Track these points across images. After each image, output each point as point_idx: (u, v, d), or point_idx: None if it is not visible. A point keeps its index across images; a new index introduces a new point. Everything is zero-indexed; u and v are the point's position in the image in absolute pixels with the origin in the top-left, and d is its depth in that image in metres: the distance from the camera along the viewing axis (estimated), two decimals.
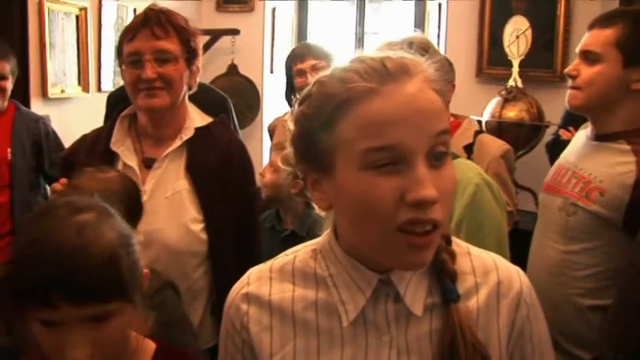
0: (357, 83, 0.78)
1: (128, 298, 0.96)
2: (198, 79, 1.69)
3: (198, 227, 1.60)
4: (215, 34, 4.07)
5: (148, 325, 1.04)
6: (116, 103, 1.90)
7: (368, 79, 0.78)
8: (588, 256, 1.61)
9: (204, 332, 1.62)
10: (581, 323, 1.61)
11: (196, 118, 1.69)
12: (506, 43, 3.43)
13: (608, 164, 1.60)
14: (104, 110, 2.31)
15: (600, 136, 1.68)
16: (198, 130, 1.66)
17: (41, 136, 2.79)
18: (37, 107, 3.02)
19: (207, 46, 3.95)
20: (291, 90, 2.79)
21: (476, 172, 1.48)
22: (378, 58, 0.81)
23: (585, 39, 1.68)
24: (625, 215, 1.55)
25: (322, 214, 2.00)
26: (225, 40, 4.15)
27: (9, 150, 2.68)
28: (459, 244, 0.93)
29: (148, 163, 1.63)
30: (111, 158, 1.63)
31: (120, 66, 1.65)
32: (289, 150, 0.89)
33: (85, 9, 3.34)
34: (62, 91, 3.25)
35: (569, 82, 1.71)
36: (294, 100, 2.81)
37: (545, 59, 3.54)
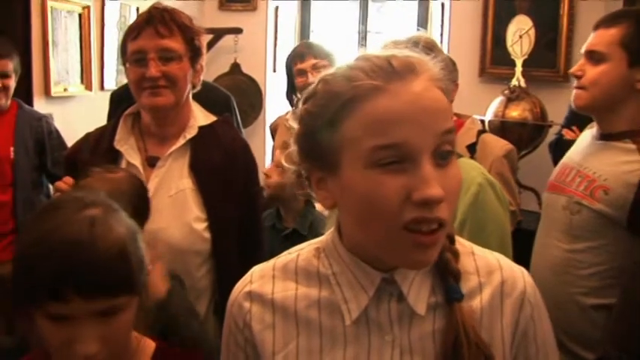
0: (362, 81, 0.78)
1: (135, 292, 0.97)
2: (201, 78, 1.69)
3: (201, 226, 1.60)
4: (218, 33, 4.07)
5: (151, 321, 1.04)
6: (119, 101, 1.90)
7: (374, 77, 0.78)
8: (592, 255, 1.61)
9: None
10: (584, 322, 1.61)
11: (200, 117, 1.69)
12: (509, 42, 3.43)
13: (613, 163, 1.61)
14: (107, 109, 2.31)
15: (605, 136, 1.69)
16: (201, 128, 1.66)
17: (44, 134, 2.79)
18: (39, 106, 3.02)
19: (209, 45, 3.95)
20: (292, 89, 2.78)
21: (479, 171, 1.48)
22: (383, 56, 0.81)
23: (590, 39, 1.69)
24: (629, 214, 1.55)
25: (325, 212, 2.00)
26: (227, 39, 4.15)
27: (12, 149, 2.68)
28: (462, 244, 0.93)
29: (151, 162, 1.63)
30: (114, 157, 1.63)
31: (124, 64, 1.65)
32: (293, 148, 0.89)
33: (87, 7, 3.34)
34: (65, 90, 3.24)
35: (575, 83, 1.72)
36: (295, 99, 2.81)
37: (548, 59, 3.54)
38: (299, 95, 2.70)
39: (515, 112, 3.31)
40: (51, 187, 2.88)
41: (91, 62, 3.39)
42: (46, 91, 3.10)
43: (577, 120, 2.62)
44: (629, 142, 1.62)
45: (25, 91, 2.92)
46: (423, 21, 4.19)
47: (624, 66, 1.60)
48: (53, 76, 3.12)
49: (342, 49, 4.04)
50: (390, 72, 0.78)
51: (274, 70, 4.32)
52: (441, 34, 3.94)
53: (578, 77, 1.69)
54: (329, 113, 0.81)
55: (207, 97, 1.77)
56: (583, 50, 1.71)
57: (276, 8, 4.32)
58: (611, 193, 1.57)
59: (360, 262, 0.87)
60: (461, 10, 3.82)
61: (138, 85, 1.58)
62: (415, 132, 0.76)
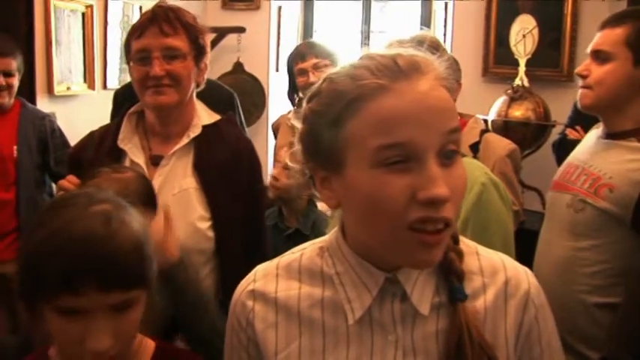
0: (368, 80, 0.78)
1: (147, 286, 0.98)
2: (205, 77, 1.69)
3: (205, 225, 1.59)
4: (221, 32, 4.07)
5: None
6: (123, 100, 1.89)
7: (379, 75, 0.78)
8: (596, 253, 1.61)
9: None
10: (588, 321, 1.61)
11: (204, 116, 1.69)
12: (512, 42, 3.42)
13: (619, 161, 1.61)
14: (110, 107, 2.31)
15: (611, 135, 1.69)
16: (205, 127, 1.66)
17: (47, 133, 2.80)
18: (42, 104, 3.02)
19: (212, 44, 3.94)
20: (293, 89, 2.78)
21: (482, 171, 1.47)
22: (389, 55, 0.80)
23: (596, 39, 1.70)
24: (634, 212, 1.54)
25: (328, 212, 1.99)
26: (230, 38, 4.15)
27: (15, 147, 2.68)
28: (466, 244, 0.93)
29: (155, 161, 1.63)
30: (118, 155, 1.63)
31: (128, 63, 1.65)
32: (297, 148, 0.89)
33: (91, 6, 3.35)
34: (68, 89, 3.25)
35: (579, 82, 1.73)
36: (296, 98, 2.80)
37: (551, 58, 3.53)
38: (300, 95, 2.70)
39: (518, 112, 3.31)
40: (54, 185, 2.89)
41: (93, 61, 3.40)
42: (49, 90, 3.11)
43: (581, 120, 2.62)
44: (635, 141, 1.62)
45: (28, 90, 2.92)
46: (426, 21, 4.19)
47: (630, 65, 1.61)
48: (56, 75, 3.13)
49: (344, 48, 4.04)
50: (395, 71, 0.78)
51: (277, 70, 4.32)
52: (444, 34, 3.93)
53: (584, 77, 1.70)
54: (333, 112, 0.80)
55: (211, 95, 1.77)
56: (589, 50, 1.71)
57: (279, 7, 4.32)
58: (616, 191, 1.57)
59: (364, 262, 0.87)
60: (464, 9, 3.81)
61: (142, 84, 1.58)
62: (421, 131, 0.76)
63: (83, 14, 3.34)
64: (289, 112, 2.87)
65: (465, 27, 3.80)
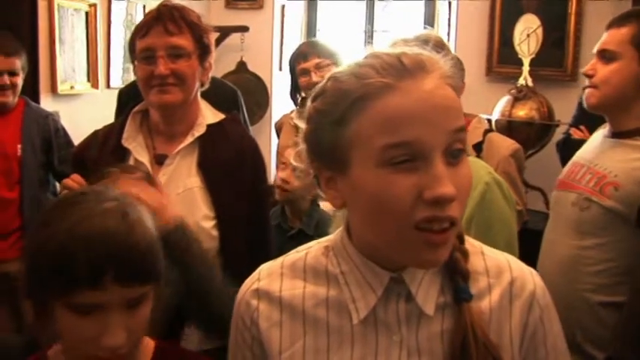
0: (373, 79, 0.78)
1: (157, 282, 0.99)
2: (210, 76, 1.69)
3: (209, 224, 1.59)
4: (224, 31, 4.07)
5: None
6: (127, 99, 1.89)
7: (384, 74, 0.78)
8: (601, 252, 1.62)
9: None
10: (592, 320, 1.61)
11: (208, 115, 1.69)
12: (516, 41, 3.41)
13: (624, 160, 1.62)
14: (113, 106, 2.31)
15: (616, 134, 1.70)
16: (210, 126, 1.66)
17: (51, 132, 2.80)
18: (46, 103, 3.03)
19: (216, 43, 3.90)
20: (295, 89, 2.78)
21: (486, 170, 1.47)
22: (394, 53, 0.80)
23: (602, 39, 1.71)
24: (639, 211, 1.54)
25: (330, 211, 1.99)
26: (234, 38, 4.15)
27: (19, 146, 2.69)
28: (472, 244, 0.93)
29: (159, 160, 1.63)
30: (122, 154, 1.63)
31: (132, 62, 1.65)
32: (302, 147, 0.88)
33: (94, 5, 3.35)
34: (71, 88, 3.25)
35: (584, 82, 1.74)
36: (299, 98, 2.80)
37: (555, 58, 3.52)
38: (303, 94, 2.69)
39: (522, 112, 3.30)
40: (57, 184, 2.89)
41: (97, 60, 3.40)
42: (53, 89, 3.11)
43: (585, 119, 2.62)
44: None
45: (31, 89, 2.93)
46: (429, 20, 4.18)
47: (635, 64, 1.62)
48: (60, 74, 3.13)
49: (348, 48, 4.04)
50: (400, 70, 0.78)
51: (280, 69, 4.32)
52: (448, 33, 3.92)
53: (590, 77, 1.71)
54: (338, 111, 0.80)
55: (215, 93, 1.76)
56: (595, 50, 1.72)
57: (283, 7, 4.32)
58: (621, 190, 1.58)
59: (369, 262, 0.87)
60: (468, 8, 3.80)
61: (146, 83, 1.58)
62: (427, 130, 0.75)
63: (87, 13, 3.34)
64: (292, 112, 2.87)
65: (469, 26, 3.79)
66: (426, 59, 0.80)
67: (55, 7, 3.07)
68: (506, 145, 2.23)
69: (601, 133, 1.79)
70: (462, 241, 0.90)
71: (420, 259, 0.80)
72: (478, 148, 2.18)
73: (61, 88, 3.15)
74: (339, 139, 0.81)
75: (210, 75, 1.71)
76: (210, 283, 1.37)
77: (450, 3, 3.97)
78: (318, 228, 2.10)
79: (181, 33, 1.57)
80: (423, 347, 0.85)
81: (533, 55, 3.37)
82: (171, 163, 1.62)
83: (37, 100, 2.96)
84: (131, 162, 1.62)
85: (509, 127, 3.27)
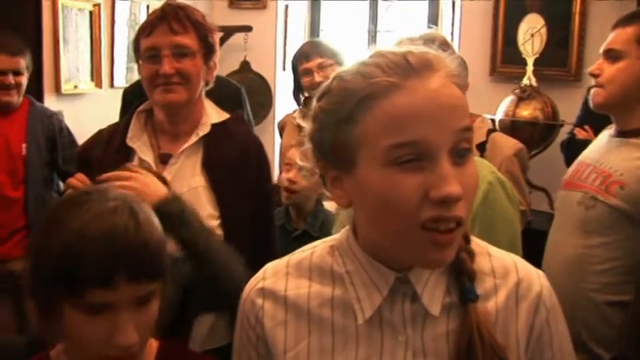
0: (379, 78, 0.77)
1: (165, 278, 0.99)
2: (214, 75, 1.69)
3: (214, 224, 1.59)
4: (228, 31, 4.07)
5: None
6: (132, 98, 1.89)
7: (390, 73, 0.77)
8: (606, 251, 1.62)
9: (219, 330, 1.61)
10: (598, 319, 1.61)
11: (213, 114, 1.69)
12: (520, 41, 3.40)
13: (630, 159, 1.62)
14: (117, 106, 2.31)
15: (622, 133, 1.70)
16: (214, 126, 1.65)
17: (55, 131, 2.81)
18: (50, 103, 3.03)
19: (219, 43, 3.93)
20: (298, 89, 2.78)
21: (489, 170, 1.47)
22: (399, 52, 0.80)
23: (608, 39, 1.71)
24: None
25: (333, 210, 1.98)
26: (237, 37, 4.15)
27: (24, 145, 2.69)
28: (478, 244, 0.92)
29: (164, 159, 1.63)
30: (127, 153, 1.62)
31: (137, 61, 1.65)
32: (308, 146, 0.88)
33: (98, 5, 3.36)
34: (75, 87, 3.26)
35: (588, 82, 1.74)
36: (301, 98, 2.79)
37: (560, 58, 3.51)
38: (306, 94, 2.69)
39: (526, 112, 3.29)
40: (61, 184, 2.90)
41: (101, 60, 3.41)
42: (57, 89, 3.12)
43: (590, 119, 2.61)
44: None
45: (35, 89, 2.93)
46: (433, 20, 4.17)
47: None
48: (64, 74, 3.14)
49: (351, 48, 4.04)
50: (406, 68, 0.77)
51: (284, 69, 4.32)
52: (452, 33, 3.92)
53: (596, 76, 1.71)
54: (344, 111, 0.80)
55: (220, 91, 1.76)
56: (601, 50, 1.72)
57: (286, 7, 4.32)
58: (627, 188, 1.58)
59: (375, 262, 0.86)
60: (471, 8, 3.80)
61: (151, 82, 1.58)
62: (433, 129, 0.75)
63: (91, 13, 3.35)
64: (295, 112, 2.87)
65: (473, 26, 3.78)
66: (432, 58, 0.79)
67: (59, 6, 3.07)
68: (509, 144, 2.23)
69: (607, 133, 1.80)
70: (467, 241, 0.89)
71: (426, 259, 0.80)
72: (481, 147, 2.18)
73: (65, 87, 3.16)
74: (345, 139, 0.80)
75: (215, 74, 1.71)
76: (212, 249, 1.37)
77: (453, 3, 3.97)
78: (322, 228, 2.09)
79: (186, 32, 1.57)
80: (429, 348, 0.85)
81: (537, 55, 3.37)
82: (176, 163, 1.62)
83: (40, 99, 2.97)
84: (135, 161, 1.62)
85: (512, 127, 3.26)
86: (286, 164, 2.19)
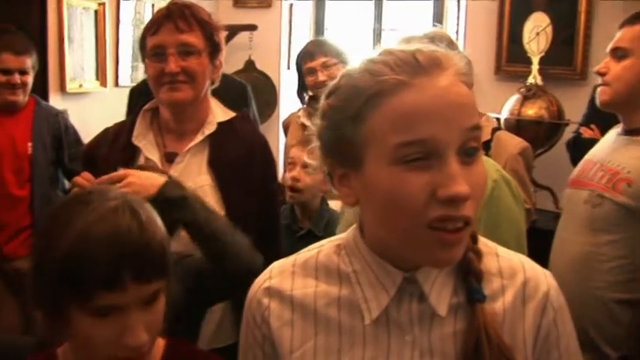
0: (387, 76, 0.77)
1: (169, 275, 0.99)
2: (220, 74, 1.69)
3: None
4: (232, 30, 4.07)
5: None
6: (138, 97, 1.90)
7: (399, 71, 0.77)
8: (613, 249, 1.61)
9: (224, 329, 1.61)
10: (606, 318, 1.61)
11: (218, 113, 1.69)
12: (525, 40, 3.39)
13: (637, 157, 1.62)
14: (122, 105, 2.32)
15: (629, 131, 1.70)
16: (220, 124, 1.65)
17: (61, 130, 2.82)
18: (55, 102, 3.04)
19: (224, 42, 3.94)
20: (302, 88, 2.78)
21: (494, 168, 1.47)
22: (408, 50, 0.79)
23: (615, 37, 1.71)
24: None
25: (339, 210, 1.98)
26: (242, 36, 4.15)
27: (30, 144, 2.70)
28: (486, 244, 0.91)
29: (169, 158, 1.63)
30: (132, 152, 1.63)
31: (143, 60, 1.65)
32: (316, 144, 0.88)
33: (103, 4, 3.36)
34: (80, 86, 3.27)
35: (594, 81, 1.73)
36: (306, 97, 2.79)
37: (565, 56, 3.49)
38: (310, 93, 2.69)
39: (531, 110, 3.28)
40: (67, 182, 2.90)
41: (106, 59, 3.42)
42: (62, 88, 3.13)
43: (596, 118, 2.60)
44: None
45: (40, 87, 2.94)
46: (438, 18, 4.16)
47: None
48: (69, 73, 3.15)
49: (356, 47, 4.03)
50: (415, 66, 0.77)
51: (288, 68, 4.31)
52: (457, 32, 3.90)
53: (603, 74, 1.71)
54: (353, 108, 0.79)
55: (226, 89, 1.76)
56: (608, 49, 1.72)
57: (291, 5, 4.32)
58: (634, 186, 1.58)
59: (382, 261, 0.86)
60: (477, 7, 3.78)
61: (157, 81, 1.58)
62: (441, 127, 0.74)
63: (96, 12, 3.35)
64: (299, 110, 2.87)
65: (478, 25, 3.77)
66: (440, 56, 0.79)
67: (65, 5, 3.08)
68: (514, 143, 2.22)
69: (614, 132, 1.79)
70: (475, 241, 0.89)
71: (433, 259, 0.79)
72: (486, 146, 2.17)
73: (70, 86, 3.16)
74: (352, 137, 0.80)
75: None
76: (217, 229, 1.37)
77: (458, 1, 3.96)
78: (327, 228, 2.08)
79: (192, 30, 1.57)
80: (436, 348, 0.84)
81: (542, 54, 3.35)
82: (182, 161, 1.62)
83: (46, 98, 2.98)
84: (141, 160, 1.62)
85: (518, 125, 3.25)
86: (289, 163, 2.18)
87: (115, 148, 1.64)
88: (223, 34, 1.69)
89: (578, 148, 2.55)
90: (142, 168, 1.43)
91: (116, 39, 3.49)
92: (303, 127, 2.65)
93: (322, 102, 0.86)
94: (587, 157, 1.82)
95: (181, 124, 1.65)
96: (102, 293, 0.89)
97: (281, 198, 2.06)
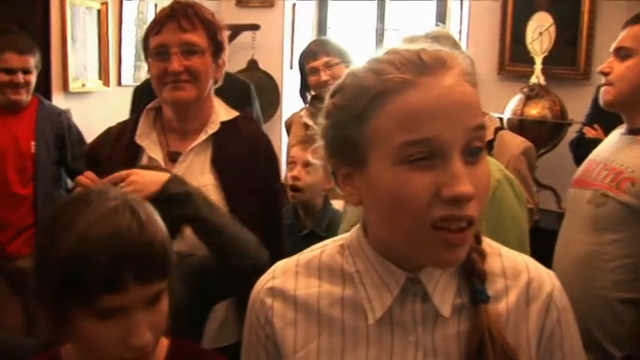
0: (392, 75, 0.77)
1: (172, 275, 0.98)
2: (223, 73, 1.69)
3: None
4: (235, 30, 4.06)
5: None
6: (142, 96, 1.90)
7: (404, 70, 0.77)
8: (617, 248, 1.61)
9: (227, 328, 1.61)
10: (610, 317, 1.61)
11: (222, 112, 1.69)
12: (528, 39, 3.38)
13: None
14: (124, 104, 2.32)
15: (632, 131, 1.70)
16: (223, 124, 1.65)
17: (64, 129, 2.82)
18: (58, 101, 3.05)
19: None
20: (305, 87, 2.78)
21: (497, 168, 1.46)
22: (413, 49, 0.79)
23: (619, 37, 1.71)
24: None
25: (341, 209, 1.98)
26: (245, 36, 4.15)
27: (33, 143, 2.71)
28: (490, 244, 0.91)
29: (173, 157, 1.63)
30: (135, 151, 1.63)
31: (146, 59, 1.65)
32: (320, 143, 0.88)
33: (106, 4, 3.36)
34: (83, 85, 3.27)
35: (601, 80, 1.74)
36: (308, 97, 2.78)
37: (568, 56, 3.48)
38: (312, 93, 2.68)
39: (534, 110, 3.27)
40: (69, 181, 2.91)
41: (108, 58, 3.42)
42: (64, 87, 3.13)
43: (599, 118, 2.60)
44: None
45: (43, 87, 2.94)
46: (441, 18, 4.15)
47: None
48: (71, 72, 3.15)
49: (359, 46, 4.03)
50: (420, 66, 0.77)
51: (291, 67, 4.31)
52: (460, 31, 3.90)
53: (606, 74, 1.70)
54: (357, 107, 0.79)
55: (229, 87, 1.76)
56: (612, 49, 1.72)
57: (294, 5, 4.32)
58: (638, 185, 1.58)
59: (385, 261, 0.86)
60: (479, 6, 3.78)
61: (160, 80, 1.58)
62: (446, 127, 0.74)
63: (98, 11, 3.36)
64: (302, 110, 2.87)
65: (481, 24, 3.76)
66: (445, 55, 0.79)
67: (68, 5, 3.08)
68: (517, 142, 2.22)
69: (617, 132, 1.79)
70: (479, 241, 0.89)
71: (437, 259, 0.79)
72: (489, 146, 2.17)
73: (73, 86, 3.17)
74: (357, 136, 0.80)
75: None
76: (221, 224, 1.37)
77: (461, 1, 3.95)
78: (329, 228, 2.08)
79: (195, 30, 1.57)
80: (439, 348, 0.84)
81: (545, 54, 3.34)
82: (185, 161, 1.62)
83: (48, 97, 2.98)
84: (144, 159, 1.62)
85: (521, 125, 3.24)
86: (290, 162, 2.18)
87: (118, 148, 1.64)
88: (226, 34, 1.69)
89: (582, 148, 2.55)
90: (145, 168, 1.43)
91: (119, 38, 3.49)
92: (306, 126, 2.65)
93: (327, 101, 0.86)
94: (590, 157, 1.82)
95: (184, 123, 1.65)
96: (104, 296, 0.89)
97: (284, 197, 2.06)
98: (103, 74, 3.41)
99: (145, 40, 1.62)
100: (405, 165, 0.75)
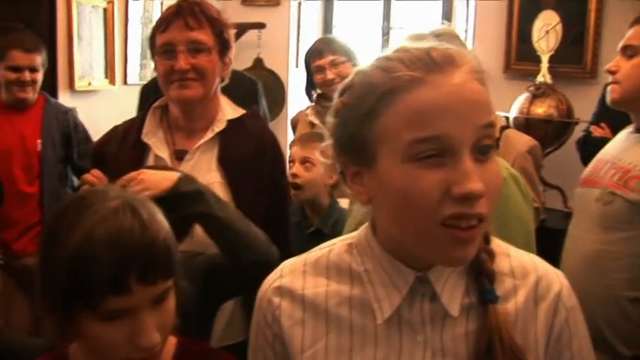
0: (401, 72, 0.76)
1: (176, 273, 0.97)
2: (230, 71, 1.69)
3: None
4: (241, 28, 4.06)
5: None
6: (149, 94, 1.90)
7: (413, 68, 0.76)
8: (626, 246, 1.61)
9: (234, 326, 1.61)
10: (618, 315, 1.60)
11: (228, 111, 1.69)
12: (535, 38, 3.37)
13: None
14: (130, 103, 2.32)
15: None
16: (230, 122, 1.65)
17: (70, 127, 2.83)
18: (64, 99, 3.05)
19: None
20: (311, 86, 2.78)
21: (503, 166, 1.46)
22: (422, 47, 0.79)
23: (626, 35, 1.70)
24: None
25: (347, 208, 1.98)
26: (251, 34, 4.15)
27: (39, 141, 2.72)
28: (498, 244, 0.91)
29: (179, 155, 1.63)
30: (142, 149, 1.63)
31: (152, 57, 1.65)
32: (329, 142, 0.87)
33: (112, 2, 3.37)
34: (89, 84, 3.28)
35: (608, 78, 1.73)
36: (314, 95, 2.77)
37: (575, 55, 3.47)
38: (318, 91, 2.67)
39: (540, 109, 3.26)
40: (75, 179, 2.92)
41: (114, 57, 3.43)
42: (70, 85, 3.14)
43: (606, 116, 2.59)
44: None
45: (50, 85, 2.95)
46: (447, 17, 4.15)
47: None
48: (77, 71, 3.16)
49: (365, 45, 4.03)
50: (429, 63, 0.76)
51: (297, 66, 4.31)
52: (466, 30, 3.89)
53: (613, 73, 1.70)
54: (366, 105, 0.79)
55: (236, 85, 1.76)
56: (619, 47, 1.71)
57: (299, 4, 4.31)
58: None
59: (394, 260, 0.85)
60: (486, 5, 3.76)
61: (166, 78, 1.58)
62: (455, 124, 0.74)
63: (104, 10, 3.36)
64: (307, 108, 2.87)
65: (487, 23, 3.75)
66: (454, 53, 0.78)
67: (74, 4, 3.09)
68: (523, 141, 2.22)
69: (625, 132, 1.79)
70: (488, 241, 0.88)
71: (446, 257, 0.79)
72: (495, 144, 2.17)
73: (79, 84, 3.18)
74: (366, 134, 0.79)
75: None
76: (231, 221, 1.37)
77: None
78: (335, 227, 2.07)
79: (201, 28, 1.57)
80: (448, 348, 0.84)
81: (552, 52, 3.34)
82: (191, 159, 1.62)
83: (55, 96, 2.99)
84: (151, 157, 1.62)
85: (527, 124, 3.23)
86: (290, 161, 2.19)
87: (125, 146, 1.64)
88: (233, 32, 1.68)
89: (588, 146, 2.54)
90: (153, 168, 1.43)
91: (125, 37, 3.50)
92: (312, 124, 2.65)
93: (335, 100, 0.86)
94: (598, 156, 1.82)
95: (191, 121, 1.65)
96: (110, 298, 0.88)
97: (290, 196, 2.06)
98: (109, 73, 3.42)
99: (152, 38, 1.62)
100: (414, 162, 0.75)
